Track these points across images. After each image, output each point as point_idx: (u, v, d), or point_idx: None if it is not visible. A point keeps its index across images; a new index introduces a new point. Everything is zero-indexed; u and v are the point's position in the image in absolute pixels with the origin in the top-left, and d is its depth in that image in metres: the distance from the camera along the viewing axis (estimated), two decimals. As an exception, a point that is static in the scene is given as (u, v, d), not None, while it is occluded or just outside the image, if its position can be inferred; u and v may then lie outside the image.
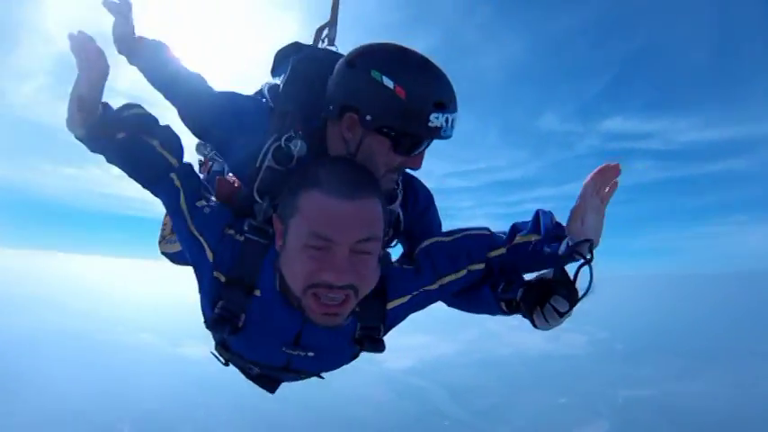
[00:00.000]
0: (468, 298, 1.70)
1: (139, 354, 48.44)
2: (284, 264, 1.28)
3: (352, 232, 1.19)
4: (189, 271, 1.61)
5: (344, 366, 1.76)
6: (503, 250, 1.62)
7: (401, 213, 1.76)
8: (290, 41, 2.03)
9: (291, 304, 1.38)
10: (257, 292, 1.42)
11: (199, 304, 1.56)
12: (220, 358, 1.73)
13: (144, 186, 1.60)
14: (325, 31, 2.50)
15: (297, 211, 1.22)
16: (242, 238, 1.43)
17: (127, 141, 1.50)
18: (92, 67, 1.36)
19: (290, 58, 1.80)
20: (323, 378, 1.85)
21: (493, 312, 1.69)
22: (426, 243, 1.65)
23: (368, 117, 1.42)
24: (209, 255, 1.44)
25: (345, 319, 1.32)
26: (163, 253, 2.32)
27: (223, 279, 1.43)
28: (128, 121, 1.51)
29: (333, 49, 2.29)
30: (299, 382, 1.87)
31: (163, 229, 2.35)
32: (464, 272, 1.60)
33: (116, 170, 1.62)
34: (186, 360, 44.29)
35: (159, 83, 1.75)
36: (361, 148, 1.49)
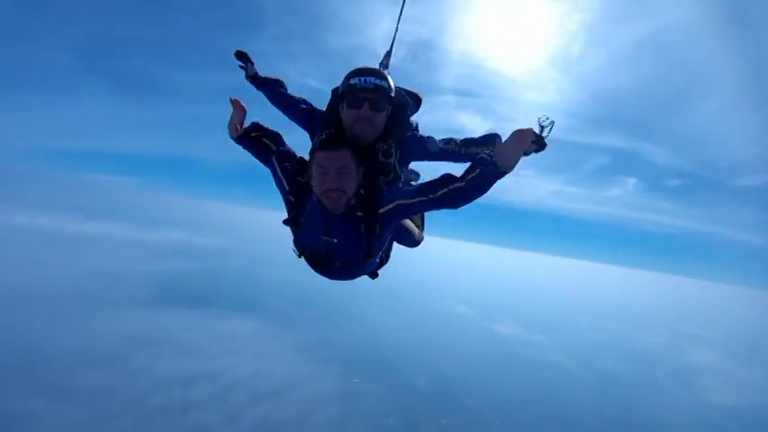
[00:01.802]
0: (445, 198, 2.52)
1: (454, 322, 57.68)
2: (313, 185, 2.53)
3: (335, 163, 2.43)
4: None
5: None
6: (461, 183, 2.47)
7: (396, 165, 2.89)
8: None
9: (320, 205, 2.57)
10: (308, 205, 2.68)
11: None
12: (296, 251, 2.94)
13: (259, 161, 2.97)
14: (385, 60, 3.54)
15: (313, 160, 2.50)
16: (303, 179, 2.71)
17: (256, 139, 2.93)
18: (238, 111, 2.90)
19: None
20: (367, 274, 3.12)
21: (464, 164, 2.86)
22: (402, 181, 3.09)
23: (339, 98, 2.83)
24: (287, 186, 2.74)
25: (343, 207, 2.53)
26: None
27: (293, 199, 2.72)
28: (253, 129, 2.94)
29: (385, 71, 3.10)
30: (348, 281, 3.08)
31: None
32: (435, 196, 2.50)
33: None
34: (495, 336, 51.96)
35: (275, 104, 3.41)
36: (342, 117, 2.79)
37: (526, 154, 2.77)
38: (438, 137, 3.02)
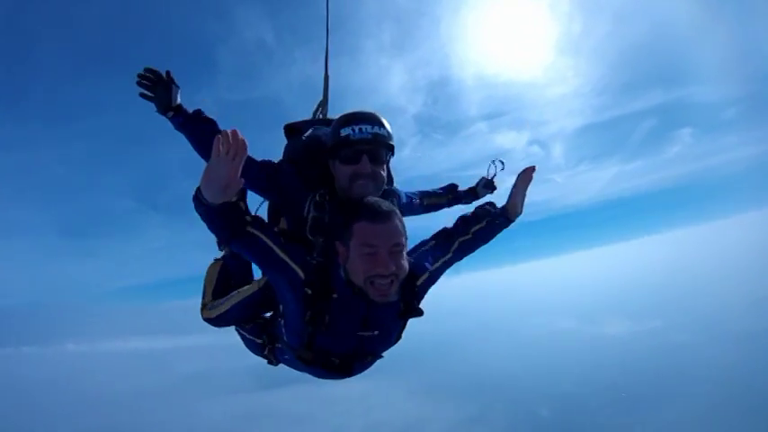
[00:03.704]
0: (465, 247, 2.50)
1: (559, 338, 53.66)
2: (350, 268, 1.95)
3: (389, 240, 1.89)
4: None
5: None
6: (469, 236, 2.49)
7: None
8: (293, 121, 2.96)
9: (358, 296, 1.98)
10: (335, 295, 2.03)
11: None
12: (289, 360, 2.42)
13: (227, 240, 2.09)
14: (320, 109, 3.39)
15: (353, 236, 1.91)
16: (315, 262, 2.08)
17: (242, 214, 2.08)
18: (237, 150, 1.80)
19: (303, 135, 2.69)
20: (383, 357, 2.43)
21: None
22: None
23: (327, 153, 2.35)
24: (302, 274, 2.03)
25: (394, 296, 1.99)
26: (206, 319, 2.76)
27: (310, 292, 2.01)
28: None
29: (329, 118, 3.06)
30: (369, 368, 2.47)
31: (204, 298, 2.86)
32: (450, 254, 2.42)
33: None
34: (607, 339, 47.88)
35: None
36: (335, 174, 2.31)
37: (478, 197, 3.33)
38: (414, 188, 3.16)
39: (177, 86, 2.32)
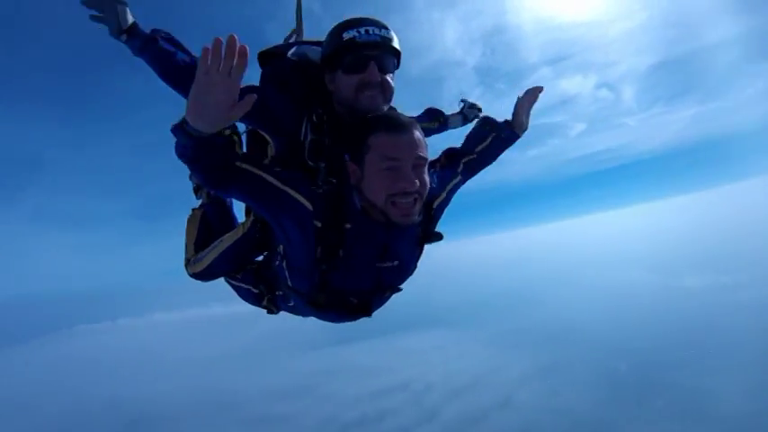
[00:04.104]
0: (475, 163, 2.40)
1: (635, 290, 52.66)
2: (367, 188, 1.72)
3: (412, 152, 1.68)
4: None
5: None
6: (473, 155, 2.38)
7: None
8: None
9: (375, 221, 1.77)
10: (348, 225, 1.79)
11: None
12: (294, 304, 2.28)
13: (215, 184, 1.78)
14: (294, 37, 2.91)
15: (370, 149, 1.68)
16: (321, 190, 1.81)
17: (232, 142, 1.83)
18: (236, 63, 1.45)
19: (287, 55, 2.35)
20: (401, 290, 2.19)
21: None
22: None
23: (323, 65, 2.08)
24: (309, 206, 1.77)
25: (417, 217, 1.79)
26: (192, 275, 2.57)
27: (320, 225, 1.76)
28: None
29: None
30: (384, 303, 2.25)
31: (186, 252, 2.66)
32: (458, 176, 2.27)
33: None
34: (687, 292, 46.39)
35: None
36: (336, 89, 2.02)
37: (469, 121, 3.24)
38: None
39: (123, 3, 2.02)
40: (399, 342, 41.39)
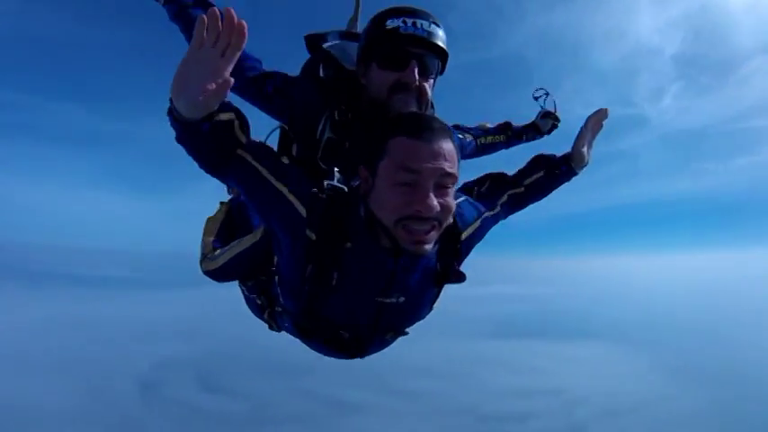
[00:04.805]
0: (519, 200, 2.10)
1: None
2: (375, 202, 1.41)
3: (437, 166, 1.32)
4: None
5: None
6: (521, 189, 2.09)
7: None
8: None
9: (382, 246, 1.48)
10: (348, 244, 1.50)
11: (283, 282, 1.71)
12: (276, 326, 2.12)
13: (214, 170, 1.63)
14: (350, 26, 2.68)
15: (386, 154, 1.36)
16: (324, 196, 1.53)
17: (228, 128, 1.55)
18: (232, 36, 1.37)
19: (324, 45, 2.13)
20: (407, 334, 1.91)
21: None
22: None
23: (359, 54, 1.85)
24: (303, 211, 1.50)
25: (432, 248, 1.45)
26: (206, 272, 2.33)
27: (314, 237, 1.48)
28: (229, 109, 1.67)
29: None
30: (385, 349, 1.98)
31: (203, 248, 2.41)
32: (497, 208, 1.97)
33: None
34: None
35: None
36: (368, 84, 1.80)
37: (543, 134, 2.88)
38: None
39: None
40: (561, 347, 39.62)
